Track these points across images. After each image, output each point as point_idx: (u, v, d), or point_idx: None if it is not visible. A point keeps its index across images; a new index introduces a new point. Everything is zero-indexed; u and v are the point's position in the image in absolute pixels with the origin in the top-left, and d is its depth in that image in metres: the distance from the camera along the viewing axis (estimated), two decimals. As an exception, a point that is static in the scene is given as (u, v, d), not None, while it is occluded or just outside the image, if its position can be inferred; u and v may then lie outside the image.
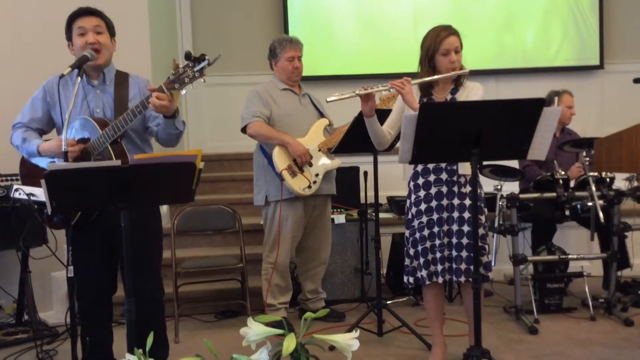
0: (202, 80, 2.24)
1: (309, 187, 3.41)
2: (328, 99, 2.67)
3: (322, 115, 3.60)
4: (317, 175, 3.44)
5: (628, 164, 2.52)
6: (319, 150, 3.45)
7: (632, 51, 5.79)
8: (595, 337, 3.29)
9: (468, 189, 2.63)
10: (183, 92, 2.27)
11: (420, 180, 2.71)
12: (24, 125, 2.61)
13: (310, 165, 3.42)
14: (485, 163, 3.71)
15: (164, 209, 4.39)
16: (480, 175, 3.44)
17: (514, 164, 3.92)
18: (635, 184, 3.83)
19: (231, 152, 5.19)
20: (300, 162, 3.39)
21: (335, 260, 3.97)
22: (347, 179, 4.35)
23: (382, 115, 2.80)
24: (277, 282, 3.52)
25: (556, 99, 4.13)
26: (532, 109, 2.24)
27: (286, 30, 5.48)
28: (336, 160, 3.54)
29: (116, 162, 2.12)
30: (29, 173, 2.66)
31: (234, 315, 3.85)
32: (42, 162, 2.55)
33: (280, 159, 3.38)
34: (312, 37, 5.57)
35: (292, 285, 3.65)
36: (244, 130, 3.46)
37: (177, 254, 3.67)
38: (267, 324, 1.34)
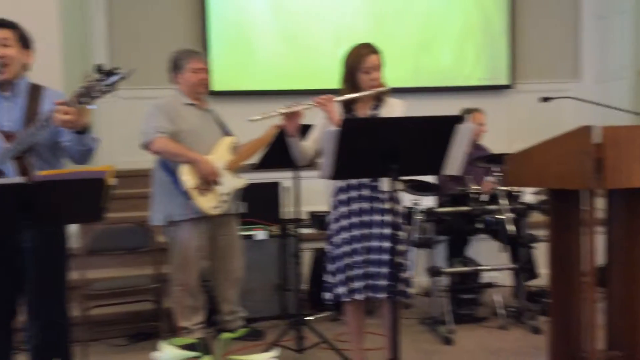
0: (114, 93, 2.15)
1: (218, 206, 3.32)
2: (250, 118, 2.63)
3: (226, 132, 3.50)
4: (226, 194, 3.34)
5: (535, 179, 2.63)
6: (227, 168, 3.36)
7: (539, 72, 6.14)
8: (507, 345, 3.42)
9: (389, 205, 2.67)
10: (93, 106, 2.15)
11: (343, 196, 2.72)
12: None
13: (219, 184, 3.33)
14: (405, 178, 3.80)
15: (74, 227, 4.17)
16: (401, 191, 3.52)
17: (432, 179, 4.04)
18: (542, 197, 4.04)
19: (145, 167, 5.01)
20: (209, 181, 3.28)
21: (256, 277, 3.91)
22: (267, 194, 4.32)
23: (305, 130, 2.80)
24: (189, 303, 3.39)
25: (468, 116, 4.30)
26: (447, 125, 2.32)
27: (206, 45, 5.41)
28: (242, 179, 3.47)
29: (19, 179, 1.99)
30: None
31: (148, 338, 3.69)
32: None
33: (188, 177, 3.23)
34: (233, 51, 5.53)
35: (206, 304, 3.54)
36: (145, 146, 3.28)
37: (88, 274, 3.50)
38: (183, 347, 1.29)
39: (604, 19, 6.20)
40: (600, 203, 2.79)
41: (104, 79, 2.10)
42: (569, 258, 2.58)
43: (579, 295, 2.52)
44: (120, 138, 5.34)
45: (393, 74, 5.97)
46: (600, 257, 2.66)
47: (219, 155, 3.38)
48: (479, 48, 6.07)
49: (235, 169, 3.40)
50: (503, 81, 6.11)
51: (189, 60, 3.37)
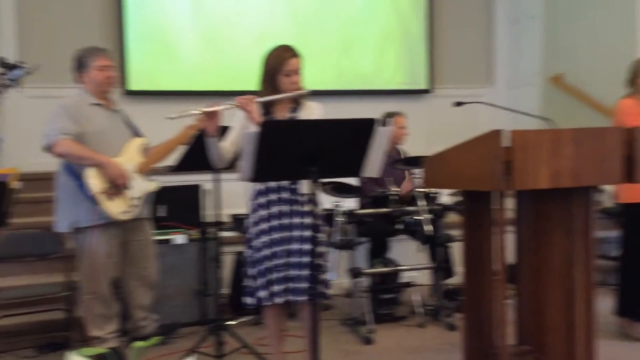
0: (19, 89, 2.03)
1: (128, 211, 3.20)
2: (167, 116, 2.56)
3: (135, 133, 3.39)
4: (136, 198, 3.23)
5: (450, 180, 2.72)
6: (137, 171, 3.25)
7: (456, 77, 6.36)
8: (425, 343, 3.52)
9: (308, 207, 2.67)
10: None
11: (262, 200, 2.69)
12: None
13: (128, 187, 3.21)
14: (326, 180, 3.83)
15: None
16: (321, 193, 3.54)
17: (354, 181, 4.08)
18: (458, 199, 4.18)
19: (54, 170, 4.77)
20: (118, 185, 3.15)
21: (174, 283, 3.81)
22: (187, 197, 4.22)
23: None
24: (101, 311, 3.24)
25: (390, 120, 4.39)
26: (366, 128, 2.35)
27: (122, 43, 5.23)
28: (154, 182, 3.36)
29: None
30: None
31: (58, 348, 3.50)
32: None
33: (95, 181, 3.08)
34: (152, 50, 5.38)
35: (120, 311, 3.41)
36: (48, 148, 3.11)
37: (-7, 283, 3.30)
38: (93, 357, 1.22)
39: (515, 25, 6.50)
40: (510, 203, 2.93)
41: (7, 73, 1.97)
42: (480, 257, 2.68)
43: (490, 293, 2.62)
44: (28, 139, 5.05)
45: (315, 77, 5.99)
46: (511, 256, 2.79)
47: (128, 158, 3.25)
48: (398, 53, 6.21)
49: (147, 171, 3.29)
50: (422, 86, 6.29)
51: (94, 57, 3.24)
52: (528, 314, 2.85)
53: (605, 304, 3.52)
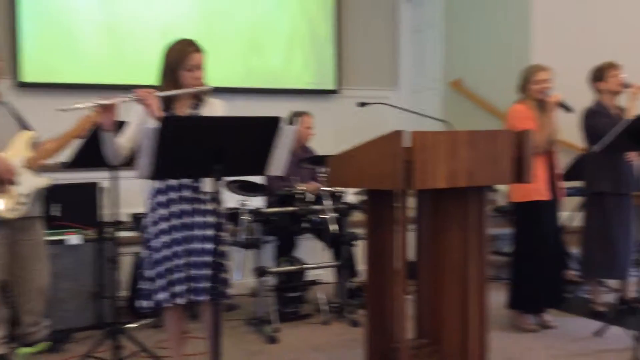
0: None
1: (15, 209, 3.00)
2: (58, 108, 2.42)
3: (24, 126, 3.19)
4: (24, 195, 3.04)
5: (354, 179, 2.76)
6: (25, 167, 3.07)
7: (363, 79, 6.49)
8: (329, 340, 3.56)
9: (211, 206, 2.61)
10: None
11: (162, 198, 2.60)
12: None
13: (15, 184, 3.01)
14: (232, 179, 3.78)
15: None
16: (226, 191, 3.48)
17: (259, 179, 4.06)
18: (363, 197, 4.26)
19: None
20: (4, 181, 2.96)
21: (68, 286, 3.61)
22: (84, 196, 4.00)
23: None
24: None
25: (297, 119, 4.40)
26: (271, 126, 2.33)
27: (15, 31, 4.89)
28: (44, 178, 3.17)
29: None
30: None
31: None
32: None
33: None
34: (49, 40, 5.08)
35: (8, 317, 3.19)
36: None
37: None
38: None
39: (418, 32, 6.75)
40: (411, 202, 3.02)
41: None
42: (382, 254, 2.75)
43: (391, 289, 2.69)
44: None
45: (223, 74, 5.95)
46: (412, 253, 2.88)
47: (16, 152, 3.05)
48: (306, 53, 6.25)
49: (37, 167, 3.10)
50: (330, 86, 6.36)
51: None
52: (426, 308, 2.96)
53: (498, 297, 3.72)
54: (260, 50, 6.02)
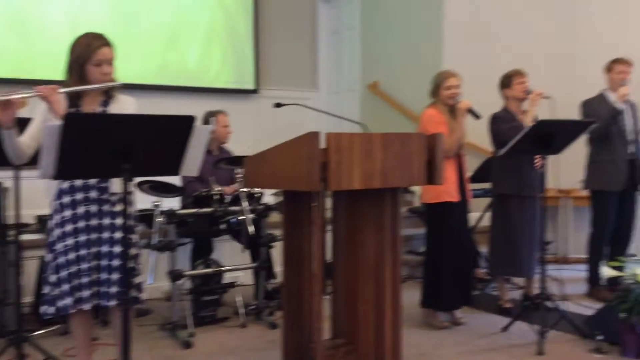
0: None
1: None
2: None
3: None
4: None
5: (271, 181, 2.75)
6: None
7: (283, 80, 6.49)
8: (246, 342, 3.51)
9: (120, 207, 2.51)
10: None
11: (67, 199, 2.47)
12: None
13: None
14: (144, 179, 3.65)
15: None
16: (138, 192, 3.36)
17: (174, 180, 3.95)
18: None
19: None
20: None
21: (-35, 292, 3.38)
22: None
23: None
24: None
25: (212, 119, 4.33)
26: (183, 125, 2.27)
27: None
28: None
29: None
30: None
31: None
32: None
33: None
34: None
35: None
36: None
37: None
38: None
39: (336, 34, 6.83)
40: (328, 203, 3.04)
41: None
42: (299, 255, 2.75)
43: (308, 290, 2.69)
44: None
45: (137, 70, 5.77)
46: (329, 253, 2.90)
47: None
48: (225, 51, 6.17)
49: None
50: (249, 86, 6.32)
51: None
52: (342, 308, 2.99)
53: (414, 296, 3.82)
54: (178, 46, 5.88)
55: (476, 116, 3.63)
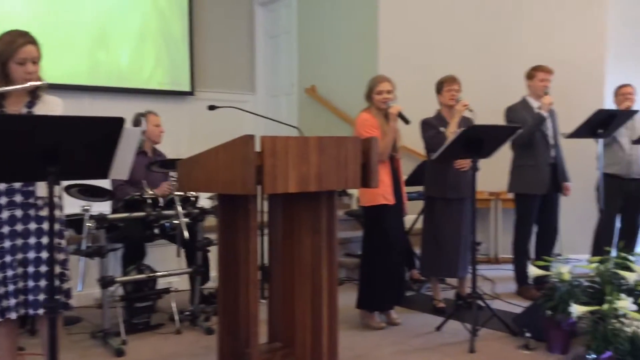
0: None
1: None
2: None
3: None
4: None
5: (205, 184, 2.71)
6: None
7: (220, 82, 6.43)
8: (181, 349, 3.44)
9: (47, 211, 2.41)
10: None
11: (-11, 204, 2.36)
12: None
13: None
14: (72, 183, 3.52)
15: None
16: (66, 196, 3.24)
17: (105, 183, 3.83)
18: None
19: None
20: None
21: None
22: None
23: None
24: None
25: (143, 119, 4.22)
26: (111, 128, 2.20)
27: None
28: None
29: None
30: None
31: None
32: None
33: None
34: None
35: None
36: None
37: None
38: None
39: (274, 38, 6.83)
40: (264, 206, 3.03)
41: None
42: (235, 259, 2.72)
43: (245, 294, 2.67)
44: None
45: (67, 69, 5.57)
46: (266, 257, 2.87)
47: None
48: (159, 52, 6.05)
49: None
50: (185, 88, 6.22)
51: None
52: (279, 311, 2.98)
53: (351, 298, 3.86)
54: (109, 45, 5.72)
55: (406, 121, 3.67)
